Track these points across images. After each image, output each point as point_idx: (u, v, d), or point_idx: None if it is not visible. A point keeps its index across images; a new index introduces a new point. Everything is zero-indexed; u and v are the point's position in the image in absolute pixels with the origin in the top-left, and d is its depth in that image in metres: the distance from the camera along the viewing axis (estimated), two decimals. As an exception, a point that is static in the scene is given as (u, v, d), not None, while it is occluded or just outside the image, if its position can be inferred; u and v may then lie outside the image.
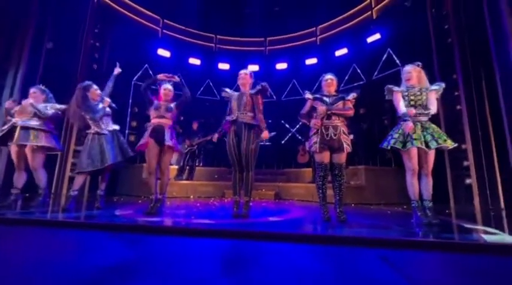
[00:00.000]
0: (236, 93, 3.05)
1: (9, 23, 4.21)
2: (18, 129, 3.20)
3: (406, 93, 2.73)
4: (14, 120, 3.26)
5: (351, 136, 2.92)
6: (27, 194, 3.76)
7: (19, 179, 3.28)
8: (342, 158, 2.74)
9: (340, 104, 2.82)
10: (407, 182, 2.63)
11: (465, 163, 4.82)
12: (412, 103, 2.68)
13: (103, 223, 2.28)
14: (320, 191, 2.78)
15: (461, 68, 4.91)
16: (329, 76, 2.94)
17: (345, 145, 2.71)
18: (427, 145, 2.53)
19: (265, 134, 2.81)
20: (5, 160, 4.00)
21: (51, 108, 3.37)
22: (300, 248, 1.72)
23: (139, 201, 4.49)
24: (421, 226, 2.41)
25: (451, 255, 1.59)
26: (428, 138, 2.54)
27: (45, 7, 4.88)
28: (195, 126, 6.78)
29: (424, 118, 2.65)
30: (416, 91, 2.70)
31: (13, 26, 4.37)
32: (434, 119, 2.76)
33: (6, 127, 3.27)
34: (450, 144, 2.53)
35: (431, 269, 1.34)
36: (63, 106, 3.44)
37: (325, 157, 2.75)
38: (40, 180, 3.29)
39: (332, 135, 2.72)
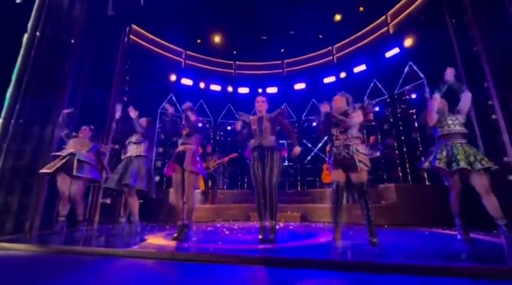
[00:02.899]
0: (255, 117, 3.12)
1: (53, 65, 4.74)
2: (75, 161, 3.51)
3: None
4: (71, 150, 3.59)
5: (377, 153, 2.86)
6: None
7: (65, 208, 3.54)
8: (360, 177, 2.65)
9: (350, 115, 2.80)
10: (451, 201, 2.72)
11: (510, 178, 4.40)
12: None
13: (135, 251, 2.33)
14: (334, 211, 2.76)
15: (491, 75, 4.65)
16: (337, 95, 3.04)
17: (358, 164, 2.63)
18: (471, 167, 2.53)
19: (297, 149, 2.91)
20: (45, 189, 4.30)
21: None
22: (329, 274, 1.62)
23: (167, 227, 4.55)
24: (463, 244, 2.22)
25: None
26: (472, 158, 2.57)
27: (84, 47, 5.46)
28: (209, 148, 6.89)
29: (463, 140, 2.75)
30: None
31: (57, 66, 4.91)
32: (470, 129, 2.76)
33: (64, 155, 3.54)
34: (493, 165, 2.54)
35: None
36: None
37: (339, 176, 2.74)
38: (81, 209, 3.65)
39: (345, 154, 2.69)
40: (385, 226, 4.45)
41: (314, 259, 1.96)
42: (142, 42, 7.70)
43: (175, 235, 2.95)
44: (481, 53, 4.86)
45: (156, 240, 3.03)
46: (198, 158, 3.17)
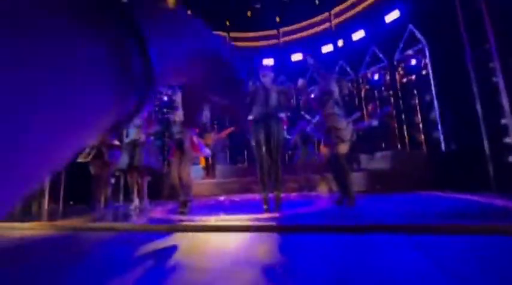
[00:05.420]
0: (260, 87, 3.06)
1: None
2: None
3: None
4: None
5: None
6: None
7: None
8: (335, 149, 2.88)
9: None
10: None
11: (507, 140, 4.43)
12: None
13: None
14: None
15: (494, 36, 4.49)
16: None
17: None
18: None
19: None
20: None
21: None
22: (333, 237, 1.71)
23: (170, 203, 4.70)
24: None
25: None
26: None
27: None
28: (207, 125, 6.88)
29: None
30: None
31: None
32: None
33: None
34: None
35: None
36: None
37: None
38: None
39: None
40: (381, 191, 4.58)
41: (317, 225, 2.04)
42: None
43: (180, 209, 3.05)
44: (484, 13, 4.64)
45: (163, 215, 3.16)
46: (196, 141, 3.22)
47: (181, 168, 3.14)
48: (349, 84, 7.29)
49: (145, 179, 3.89)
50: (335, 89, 3.00)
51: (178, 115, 3.48)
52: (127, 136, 3.97)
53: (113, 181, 5.58)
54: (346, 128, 2.87)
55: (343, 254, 1.41)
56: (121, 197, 5.01)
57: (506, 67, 4.35)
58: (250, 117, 2.99)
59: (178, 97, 3.95)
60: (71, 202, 4.86)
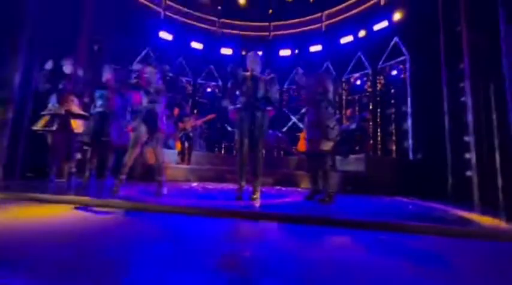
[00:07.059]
0: (248, 74, 2.99)
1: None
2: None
3: None
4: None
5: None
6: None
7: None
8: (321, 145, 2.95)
9: None
10: None
11: (467, 156, 4.80)
12: None
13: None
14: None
15: (469, 58, 4.80)
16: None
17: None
18: None
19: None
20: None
21: None
22: (301, 227, 1.75)
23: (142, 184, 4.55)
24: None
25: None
26: None
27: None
28: (187, 109, 6.74)
29: None
30: None
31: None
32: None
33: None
34: None
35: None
36: None
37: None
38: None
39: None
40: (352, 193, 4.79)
41: (287, 215, 2.08)
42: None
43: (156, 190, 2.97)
44: (463, 34, 4.93)
45: (133, 195, 3.04)
46: (162, 117, 3.09)
47: (156, 147, 3.03)
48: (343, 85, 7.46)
49: (111, 156, 3.68)
50: (331, 89, 3.04)
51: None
52: (95, 106, 3.72)
53: (79, 155, 5.25)
54: (334, 127, 2.94)
55: (308, 244, 1.45)
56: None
57: (475, 88, 4.69)
58: (237, 105, 2.95)
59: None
60: (29, 174, 4.49)
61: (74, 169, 3.73)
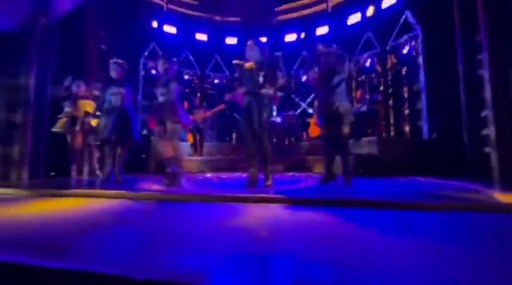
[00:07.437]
0: (248, 64, 2.95)
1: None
2: None
3: None
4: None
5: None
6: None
7: None
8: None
9: None
10: None
11: (484, 132, 4.64)
12: None
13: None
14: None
15: (485, 29, 4.55)
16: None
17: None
18: None
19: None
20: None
21: None
22: (318, 209, 1.78)
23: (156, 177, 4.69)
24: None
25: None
26: None
27: None
28: (196, 101, 6.79)
29: None
30: None
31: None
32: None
33: None
34: None
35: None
36: None
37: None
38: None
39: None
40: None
41: (306, 198, 2.11)
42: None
43: (167, 181, 3.04)
44: (479, 5, 4.66)
45: (150, 187, 3.16)
46: (179, 107, 3.13)
47: (171, 139, 3.07)
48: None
49: (125, 152, 3.70)
50: (346, 69, 2.96)
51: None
52: (110, 103, 3.75)
53: (97, 153, 5.41)
54: (350, 110, 2.91)
55: (330, 225, 1.48)
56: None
57: (493, 59, 4.45)
58: (241, 91, 2.93)
59: None
60: (52, 173, 4.70)
61: (96, 166, 4.00)
